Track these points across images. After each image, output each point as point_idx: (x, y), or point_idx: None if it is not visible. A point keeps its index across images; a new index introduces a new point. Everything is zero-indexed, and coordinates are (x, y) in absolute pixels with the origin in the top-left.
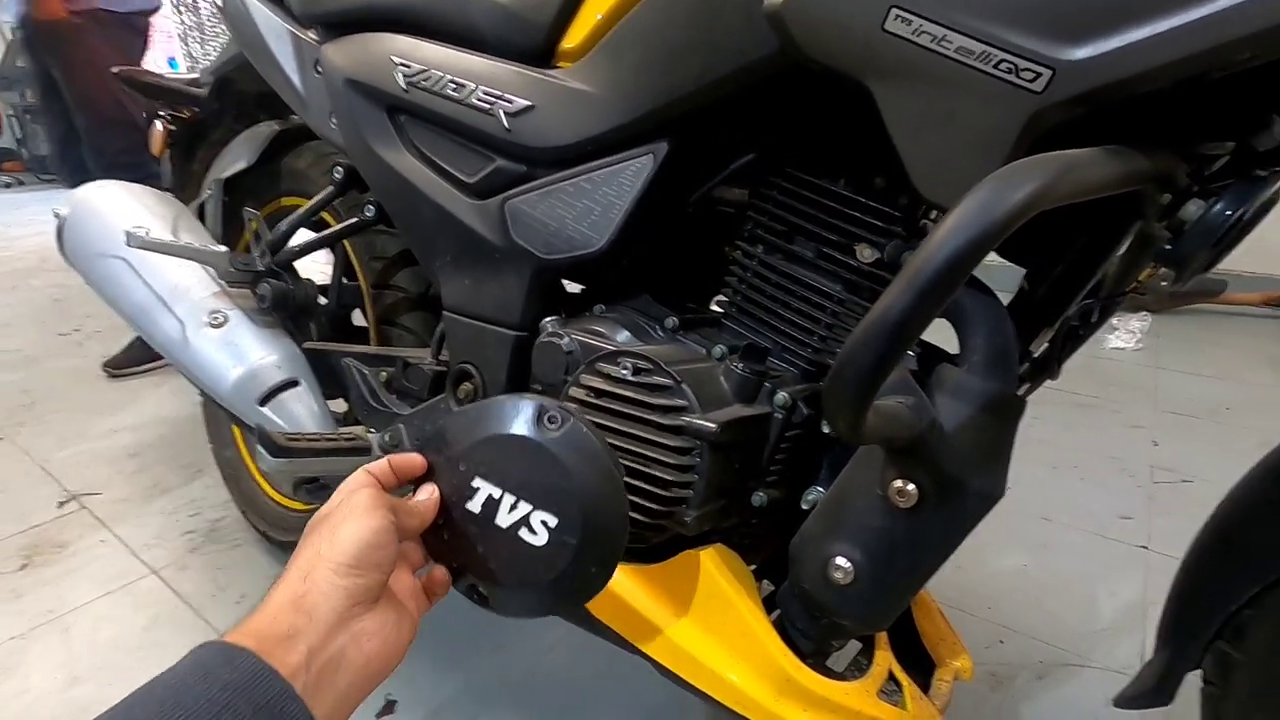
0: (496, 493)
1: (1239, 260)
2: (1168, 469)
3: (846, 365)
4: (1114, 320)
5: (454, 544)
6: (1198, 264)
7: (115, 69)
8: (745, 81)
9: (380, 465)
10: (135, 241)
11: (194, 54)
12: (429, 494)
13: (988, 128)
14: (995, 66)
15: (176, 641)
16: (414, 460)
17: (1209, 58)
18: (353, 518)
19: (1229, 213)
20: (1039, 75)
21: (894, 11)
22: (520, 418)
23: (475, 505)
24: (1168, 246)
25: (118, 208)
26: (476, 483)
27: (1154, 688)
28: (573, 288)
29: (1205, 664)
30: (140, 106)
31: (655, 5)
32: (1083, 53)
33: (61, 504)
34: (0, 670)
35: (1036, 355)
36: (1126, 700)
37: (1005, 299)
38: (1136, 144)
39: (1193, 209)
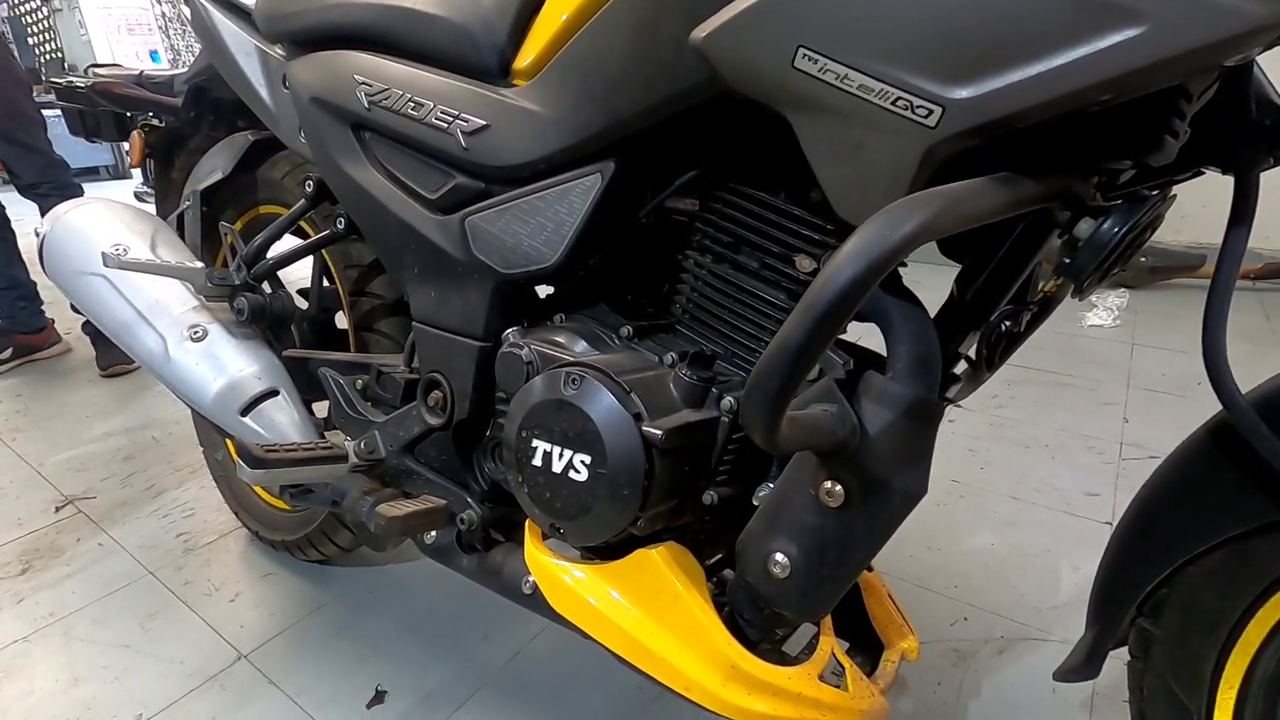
0: (547, 447)
1: (1216, 233)
2: (1136, 445)
3: (754, 389)
4: (1093, 298)
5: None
6: (1093, 278)
7: (91, 82)
8: (681, 107)
9: None
10: (113, 263)
11: (175, 46)
12: None
13: (891, 158)
14: (893, 103)
15: (175, 639)
16: None
17: (1072, 99)
18: None
19: (1116, 230)
20: (931, 112)
21: (801, 50)
22: (550, 385)
23: (538, 460)
24: (1066, 260)
25: (96, 226)
26: (534, 443)
27: (1083, 662)
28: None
29: (1129, 639)
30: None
31: (595, 33)
32: (966, 92)
33: (58, 509)
34: (5, 673)
35: (973, 357)
36: (1063, 674)
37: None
38: (1038, 166)
39: (1084, 227)
